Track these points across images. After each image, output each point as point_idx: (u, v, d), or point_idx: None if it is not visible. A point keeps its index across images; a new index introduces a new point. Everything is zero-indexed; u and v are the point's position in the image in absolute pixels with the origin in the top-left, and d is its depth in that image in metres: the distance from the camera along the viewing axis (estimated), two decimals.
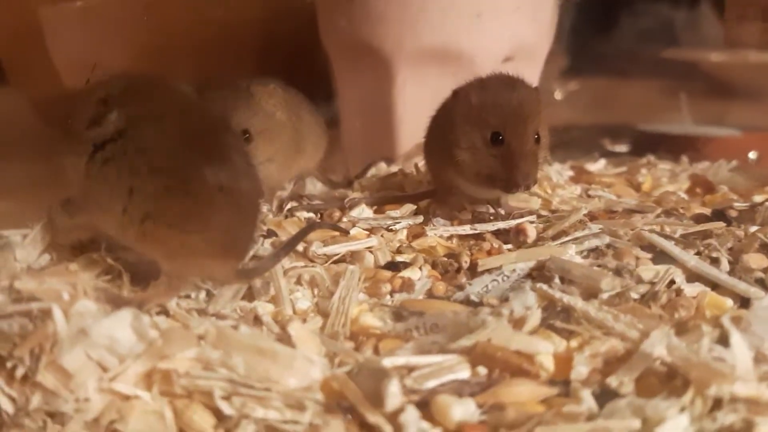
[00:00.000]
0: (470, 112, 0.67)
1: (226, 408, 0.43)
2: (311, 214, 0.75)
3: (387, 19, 0.91)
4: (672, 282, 0.57)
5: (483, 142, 0.66)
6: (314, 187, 0.93)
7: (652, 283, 0.57)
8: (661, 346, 0.46)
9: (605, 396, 0.44)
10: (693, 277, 0.59)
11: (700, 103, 1.32)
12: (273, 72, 1.13)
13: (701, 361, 0.44)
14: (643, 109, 1.30)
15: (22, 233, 0.60)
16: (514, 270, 0.59)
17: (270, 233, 0.67)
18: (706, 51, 1.38)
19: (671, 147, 1.10)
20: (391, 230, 0.69)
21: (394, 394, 0.42)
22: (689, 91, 1.31)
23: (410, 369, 0.46)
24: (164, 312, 0.51)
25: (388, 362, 0.46)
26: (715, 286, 0.57)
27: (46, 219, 0.57)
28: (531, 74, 0.93)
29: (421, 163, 0.86)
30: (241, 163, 0.53)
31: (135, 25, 1.01)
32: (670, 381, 0.45)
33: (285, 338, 0.49)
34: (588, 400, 0.43)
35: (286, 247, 0.60)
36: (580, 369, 0.46)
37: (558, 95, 1.33)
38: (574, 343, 0.49)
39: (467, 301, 0.56)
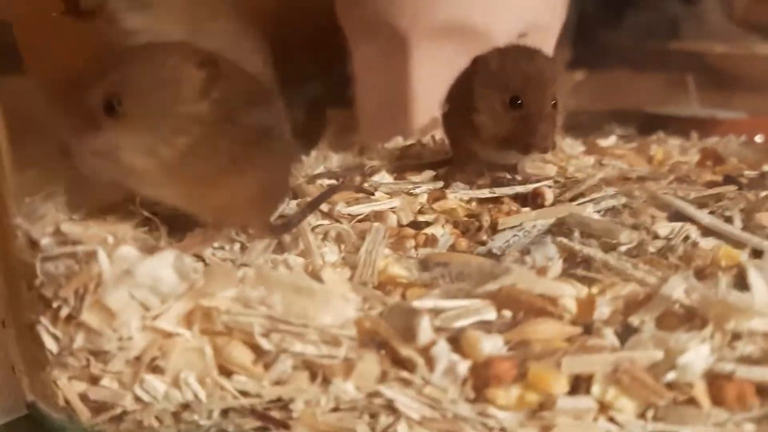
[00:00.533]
0: (490, 77, 0.69)
1: (265, 344, 0.45)
2: (333, 181, 0.76)
3: None
4: (687, 237, 0.59)
5: (502, 106, 0.68)
6: (331, 161, 0.95)
7: (669, 239, 0.59)
8: (680, 289, 0.48)
9: (627, 334, 0.46)
10: (707, 233, 0.61)
11: (707, 93, 1.34)
12: (287, 50, 1.15)
13: (719, 300, 0.46)
14: (650, 96, 1.32)
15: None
16: (534, 226, 0.61)
17: (295, 195, 0.69)
18: (712, 42, 1.40)
19: (680, 129, 1.11)
20: (412, 194, 0.71)
21: (425, 329, 0.44)
22: (696, 83, 1.33)
23: (438, 312, 0.48)
24: (201, 261, 0.53)
25: (417, 304, 0.48)
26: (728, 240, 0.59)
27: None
28: (544, 50, 0.94)
29: (438, 135, 0.88)
30: (279, 117, 0.55)
31: None
32: (689, 321, 0.47)
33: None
34: (610, 336, 0.45)
35: (313, 204, 0.62)
36: (602, 310, 0.47)
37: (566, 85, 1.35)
38: (595, 289, 0.51)
39: (489, 255, 0.58)
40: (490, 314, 0.48)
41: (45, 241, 0.51)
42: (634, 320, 0.46)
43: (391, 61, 0.97)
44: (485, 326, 0.47)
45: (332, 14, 1.01)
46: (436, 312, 0.48)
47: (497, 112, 0.69)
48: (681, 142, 1.01)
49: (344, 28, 1.01)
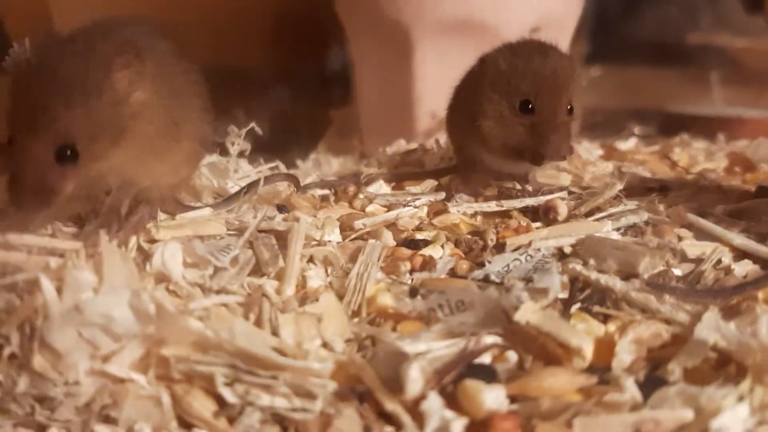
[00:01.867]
0: (498, 78, 0.62)
1: (228, 395, 0.39)
2: (326, 191, 0.70)
3: None
4: (719, 261, 0.52)
5: (511, 111, 0.62)
6: (329, 166, 0.89)
7: (698, 261, 0.52)
8: (714, 330, 0.41)
9: (650, 385, 0.39)
10: (740, 255, 0.54)
11: (732, 90, 1.27)
12: (286, 47, 1.09)
13: (760, 345, 0.39)
14: (671, 93, 1.26)
15: None
16: (539, 249, 0.54)
17: (282, 208, 0.63)
18: (734, 36, 1.34)
19: (704, 129, 1.04)
20: (410, 207, 0.64)
21: (415, 379, 0.38)
22: (721, 79, 1.27)
23: (433, 353, 0.42)
24: (167, 287, 0.47)
25: (409, 345, 0.41)
26: (765, 265, 0.52)
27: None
28: (559, 45, 0.88)
29: (443, 139, 0.81)
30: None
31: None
32: (722, 368, 0.40)
33: (291, 319, 0.45)
34: (632, 389, 0.38)
35: (231, 198, 0.63)
36: (623, 357, 0.41)
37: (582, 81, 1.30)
38: (612, 326, 0.45)
39: (486, 281, 0.51)
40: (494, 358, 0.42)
41: None
42: (662, 371, 0.40)
43: (393, 59, 0.91)
44: (487, 373, 0.40)
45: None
46: (431, 353, 0.42)
47: (505, 118, 0.63)
48: (707, 145, 0.94)
49: (344, 25, 0.95)
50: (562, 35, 0.93)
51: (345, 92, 1.02)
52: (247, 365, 0.40)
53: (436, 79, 0.87)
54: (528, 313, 0.43)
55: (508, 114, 0.62)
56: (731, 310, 0.45)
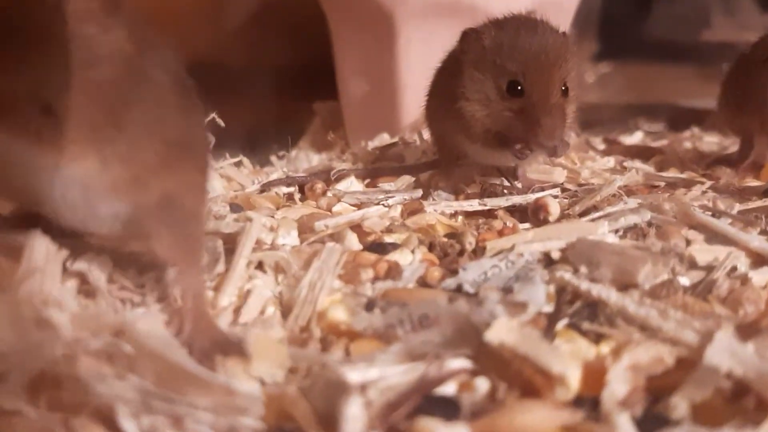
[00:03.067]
0: (482, 56, 0.55)
1: (131, 428, 0.32)
2: (291, 189, 0.63)
3: None
4: (734, 268, 0.45)
5: (497, 93, 0.54)
6: (309, 161, 0.82)
7: (709, 269, 0.44)
8: (727, 353, 0.34)
9: (649, 423, 0.32)
10: (758, 261, 0.46)
11: None
12: (268, 35, 1.02)
13: None
14: (681, 89, 1.20)
15: None
16: (521, 254, 0.46)
17: (235, 207, 0.55)
18: (744, 33, 1.28)
19: (716, 123, 0.97)
20: (381, 205, 0.57)
21: (354, 417, 0.31)
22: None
23: (386, 380, 0.35)
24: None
25: (354, 373, 0.34)
26: None
27: None
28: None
29: (427, 131, 0.74)
30: None
31: None
32: (738, 401, 0.33)
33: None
34: (626, 428, 0.31)
35: None
36: (615, 387, 0.33)
37: (590, 77, 1.25)
38: (605, 347, 0.37)
39: (459, 292, 0.44)
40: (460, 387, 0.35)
41: None
42: (664, 406, 0.32)
43: (376, 46, 0.83)
44: (448, 408, 0.33)
45: None
46: (381, 384, 0.34)
47: (491, 101, 0.55)
48: (719, 139, 0.86)
49: (325, 10, 0.88)
50: (560, 19, 0.85)
51: (331, 84, 0.95)
52: (158, 385, 0.32)
53: (422, 66, 0.79)
54: (502, 331, 0.36)
55: (493, 96, 0.55)
56: (750, 327, 0.38)
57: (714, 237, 0.49)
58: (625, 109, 1.11)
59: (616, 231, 0.50)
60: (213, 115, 0.67)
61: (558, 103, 0.54)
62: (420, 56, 0.81)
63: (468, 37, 0.56)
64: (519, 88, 0.53)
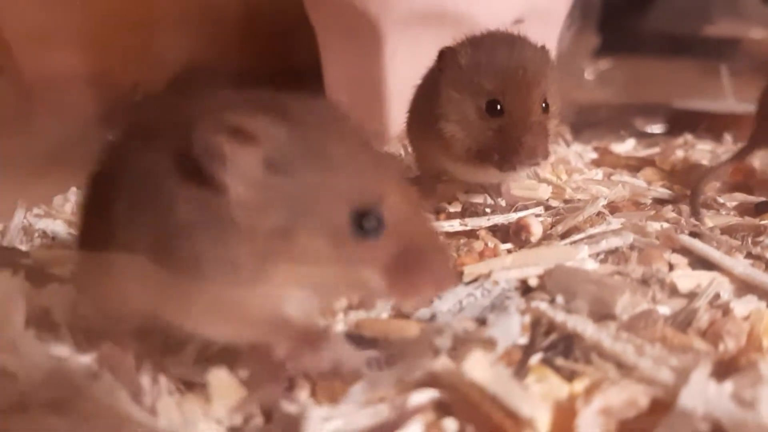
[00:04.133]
0: (459, 75, 0.53)
1: None
2: None
3: None
4: (717, 296, 0.43)
5: (477, 113, 0.53)
6: None
7: (691, 296, 0.43)
8: (702, 396, 0.32)
9: None
10: (745, 289, 0.45)
11: (743, 83, 1.18)
12: (255, 44, 1.01)
13: (760, 422, 0.30)
14: (682, 87, 1.18)
15: None
16: (497, 282, 0.45)
17: None
18: (747, 28, 1.27)
19: (712, 126, 0.95)
20: None
21: None
22: (731, 71, 1.19)
23: (348, 427, 0.33)
24: None
25: (311, 421, 0.33)
26: None
27: None
28: (546, 39, 0.78)
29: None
30: None
31: None
32: None
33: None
34: None
35: None
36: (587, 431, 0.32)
37: (588, 74, 1.24)
38: (578, 386, 0.36)
39: (433, 321, 0.43)
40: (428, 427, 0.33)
41: None
42: None
43: (361, 54, 0.82)
44: None
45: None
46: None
47: (470, 122, 0.54)
48: (712, 147, 0.84)
49: (311, 17, 0.86)
50: (549, 27, 0.84)
51: (318, 92, 0.94)
52: None
53: (408, 75, 0.78)
54: (475, 368, 0.35)
55: (473, 117, 0.53)
56: (729, 364, 0.36)
57: (698, 261, 0.48)
58: (622, 108, 1.09)
59: (597, 254, 0.49)
60: None
61: (539, 120, 0.52)
62: (406, 66, 0.80)
63: (444, 55, 0.55)
64: (498, 107, 0.52)
